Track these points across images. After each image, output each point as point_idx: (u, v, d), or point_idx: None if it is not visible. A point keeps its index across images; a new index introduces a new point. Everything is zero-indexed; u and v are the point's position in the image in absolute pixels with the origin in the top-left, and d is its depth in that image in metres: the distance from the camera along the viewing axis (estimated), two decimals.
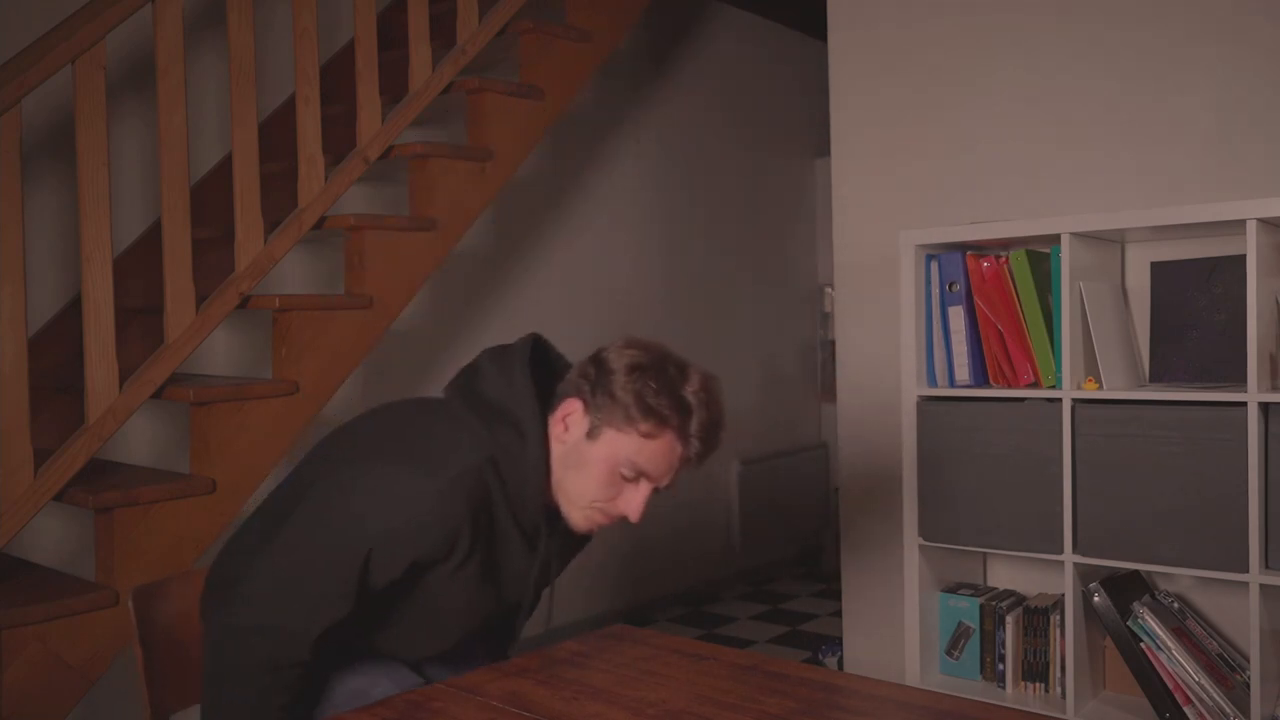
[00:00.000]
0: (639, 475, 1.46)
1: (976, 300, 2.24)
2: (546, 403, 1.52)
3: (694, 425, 1.45)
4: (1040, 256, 2.21)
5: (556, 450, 1.50)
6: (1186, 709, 1.99)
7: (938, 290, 2.28)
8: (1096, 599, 2.08)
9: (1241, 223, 1.91)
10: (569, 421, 1.48)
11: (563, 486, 1.50)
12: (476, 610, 1.59)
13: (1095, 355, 2.11)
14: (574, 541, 1.68)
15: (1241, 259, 1.96)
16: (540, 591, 1.69)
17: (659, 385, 1.44)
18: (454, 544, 1.46)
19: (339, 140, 2.90)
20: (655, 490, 1.49)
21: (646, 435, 1.43)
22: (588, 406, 1.47)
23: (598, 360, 1.49)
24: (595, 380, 1.47)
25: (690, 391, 1.45)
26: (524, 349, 1.56)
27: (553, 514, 1.54)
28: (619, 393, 1.44)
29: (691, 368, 1.49)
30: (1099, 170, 2.37)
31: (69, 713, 2.13)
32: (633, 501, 1.48)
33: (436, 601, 1.53)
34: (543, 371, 1.58)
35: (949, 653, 2.32)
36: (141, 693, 1.60)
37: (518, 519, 1.52)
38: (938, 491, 2.25)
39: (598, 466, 1.46)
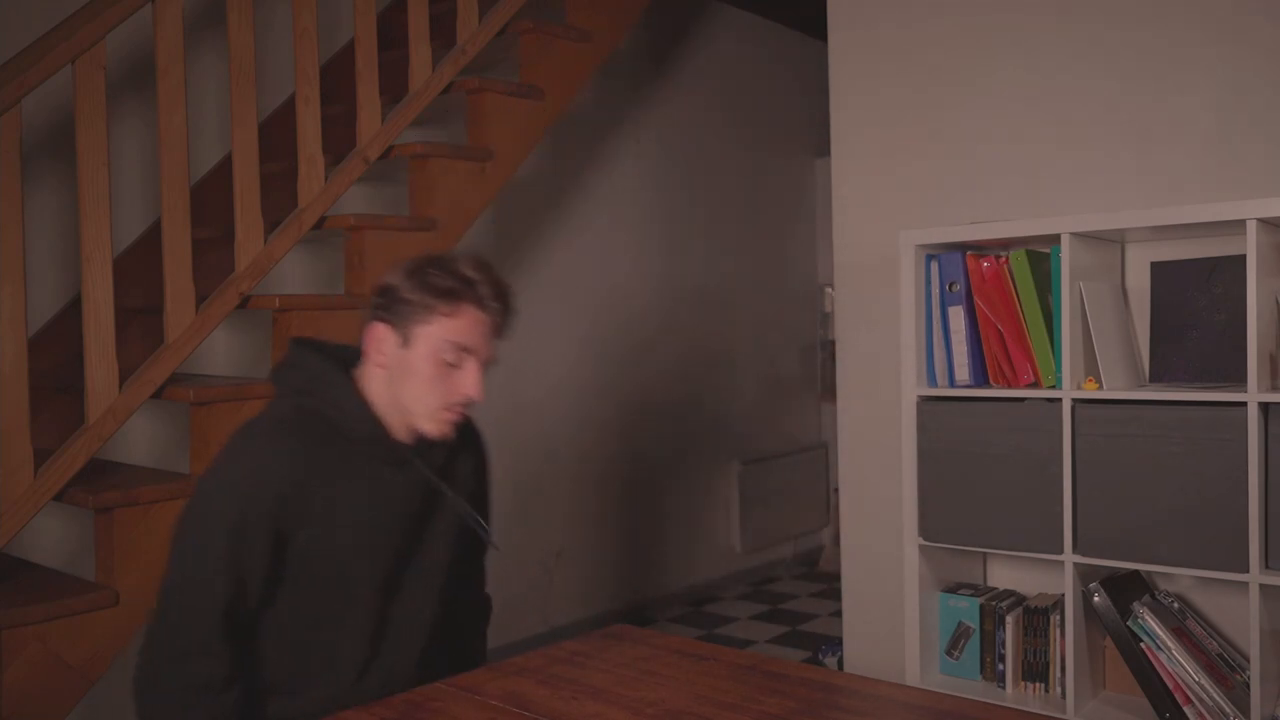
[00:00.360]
0: (461, 355, 1.55)
1: (976, 300, 2.24)
2: (344, 355, 1.64)
3: (484, 290, 1.56)
4: (1040, 256, 2.21)
5: (381, 375, 1.58)
6: (1186, 709, 1.99)
7: (938, 290, 2.28)
8: (1096, 599, 2.08)
9: (1241, 223, 1.91)
10: (380, 345, 1.57)
11: (401, 403, 1.57)
12: (383, 564, 1.59)
13: (1095, 355, 2.11)
14: (462, 472, 1.72)
15: (1241, 259, 1.96)
16: (453, 542, 1.69)
17: (438, 270, 1.55)
18: (302, 487, 1.50)
19: (339, 140, 2.90)
20: (484, 367, 1.58)
21: (449, 314, 1.54)
22: (390, 323, 1.56)
23: (379, 288, 1.59)
24: (385, 299, 1.57)
25: (466, 267, 1.57)
26: (294, 344, 1.68)
27: (416, 452, 1.61)
28: (409, 294, 1.54)
29: (457, 254, 1.63)
30: (1099, 170, 2.37)
31: (69, 713, 2.13)
32: (467, 381, 1.56)
33: (342, 571, 1.55)
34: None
35: (949, 653, 2.32)
36: None
37: (360, 445, 1.57)
38: (938, 491, 2.25)
39: (423, 364, 1.54)
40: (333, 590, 1.56)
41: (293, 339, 1.68)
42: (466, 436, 1.75)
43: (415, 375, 1.54)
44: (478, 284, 1.55)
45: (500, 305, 1.58)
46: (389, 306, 1.56)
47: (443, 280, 1.54)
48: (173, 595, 1.49)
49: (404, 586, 1.62)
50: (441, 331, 1.53)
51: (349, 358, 1.63)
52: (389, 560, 1.60)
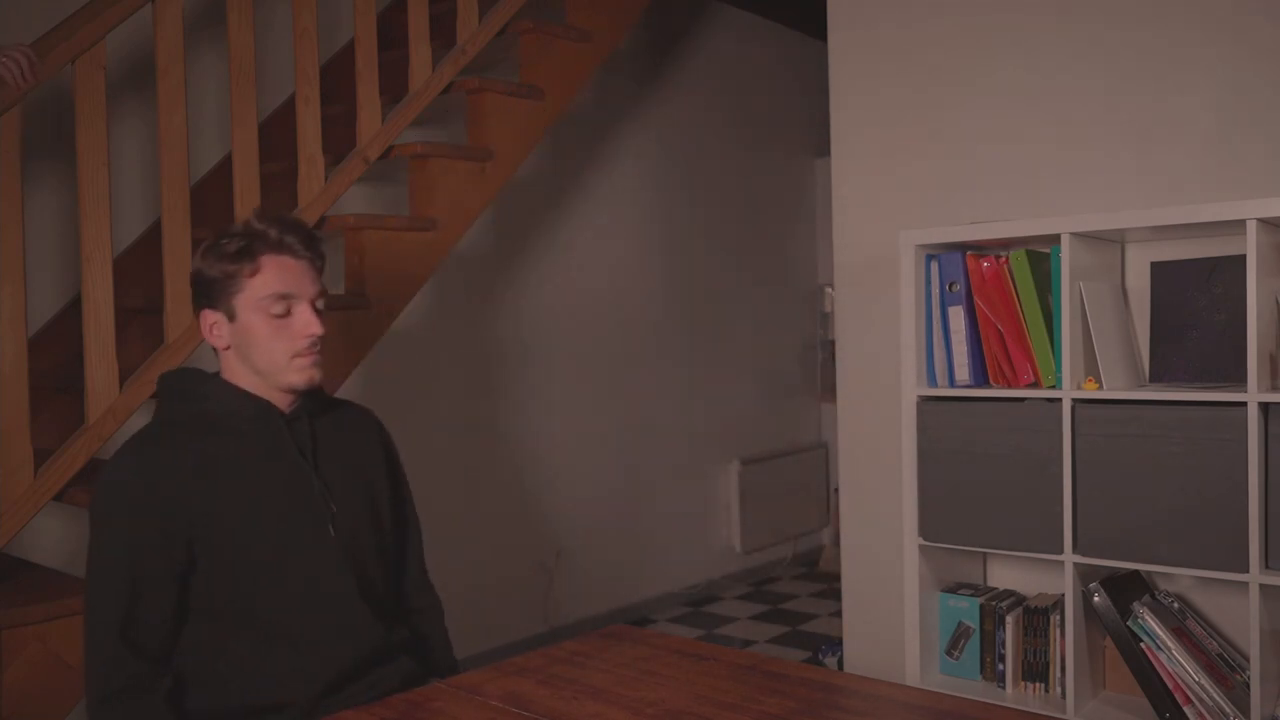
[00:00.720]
0: (286, 303, 1.58)
1: (976, 300, 2.24)
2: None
3: (274, 235, 1.59)
4: (1040, 256, 2.21)
5: (231, 358, 1.63)
6: (1186, 709, 1.99)
7: (938, 290, 2.28)
8: (1096, 599, 2.08)
9: (1241, 223, 1.91)
10: (214, 330, 1.62)
11: (259, 368, 1.60)
12: (294, 539, 1.59)
13: (1095, 355, 2.11)
14: (358, 444, 1.74)
15: (1241, 259, 1.96)
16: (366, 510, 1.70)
17: (224, 237, 1.59)
18: (187, 487, 1.52)
19: (339, 140, 2.90)
20: (314, 305, 1.61)
21: (254, 273, 1.57)
22: (211, 305, 1.60)
23: (190, 278, 1.65)
24: (196, 286, 1.62)
25: (253, 221, 1.61)
26: (159, 378, 1.72)
27: (298, 413, 1.64)
28: (211, 272, 1.59)
29: (249, 216, 1.65)
30: (1099, 170, 2.37)
31: (69, 713, 2.13)
32: (301, 321, 1.59)
33: (258, 555, 1.55)
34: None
35: (949, 653, 2.32)
36: None
37: (238, 431, 1.59)
38: (938, 491, 2.25)
39: (257, 327, 1.58)
40: (255, 575, 1.56)
41: (160, 375, 1.72)
42: (356, 416, 1.79)
43: (256, 339, 1.58)
44: (265, 232, 1.59)
45: (297, 239, 1.61)
46: (203, 291, 1.61)
47: (232, 244, 1.58)
48: (86, 612, 1.53)
49: (325, 559, 1.61)
50: (255, 291, 1.57)
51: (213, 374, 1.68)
52: (300, 535, 1.60)
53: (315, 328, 1.60)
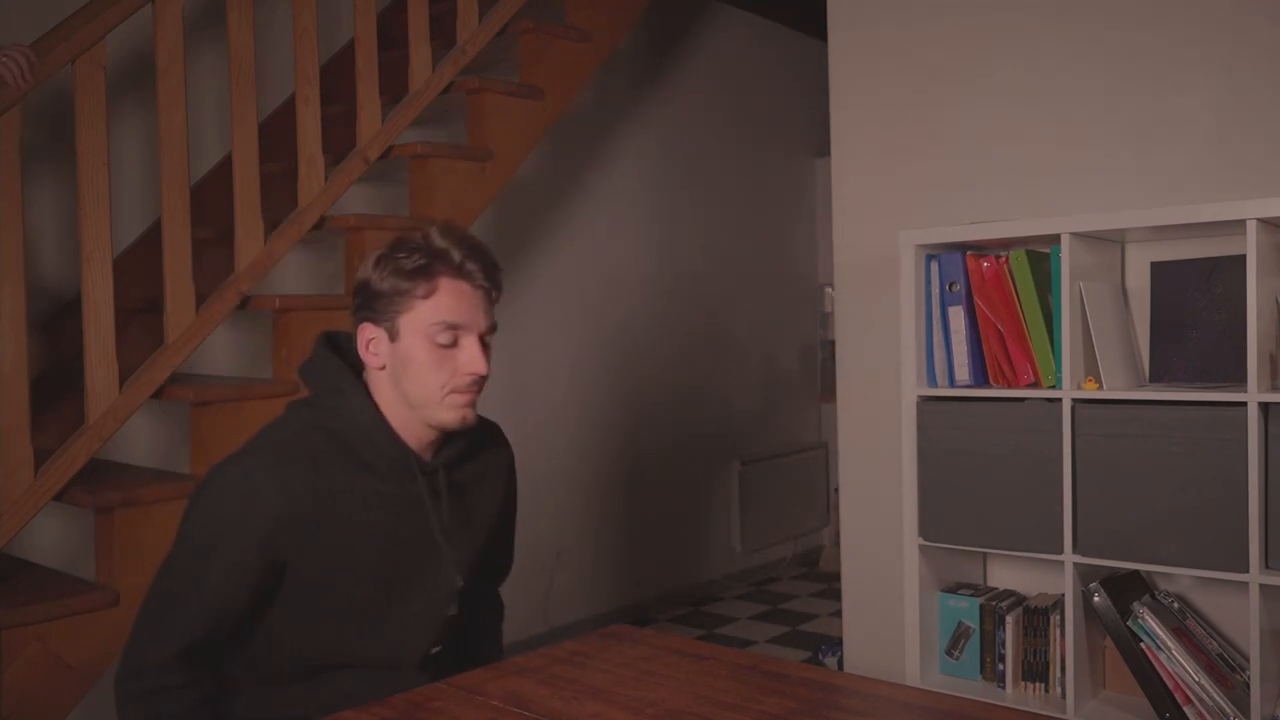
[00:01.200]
0: (454, 333, 1.46)
1: (976, 300, 2.24)
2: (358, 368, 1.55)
3: (457, 257, 1.46)
4: (1040, 256, 2.21)
5: (383, 379, 1.51)
6: (1186, 709, 1.99)
7: (938, 290, 2.28)
8: (1096, 599, 2.08)
9: (1241, 223, 1.91)
10: (371, 345, 1.49)
11: (411, 400, 1.49)
12: (386, 582, 1.52)
13: (1095, 355, 2.11)
14: (485, 492, 1.66)
15: (1241, 259, 1.96)
16: (474, 561, 1.63)
17: (404, 252, 1.46)
18: (297, 516, 1.42)
19: (339, 140, 2.90)
20: (483, 339, 1.50)
21: (428, 295, 1.45)
22: (374, 320, 1.48)
23: (355, 286, 1.51)
24: (362, 297, 1.49)
25: (435, 237, 1.47)
26: (320, 341, 1.59)
27: (437, 464, 1.54)
28: (381, 285, 1.46)
29: (427, 225, 1.52)
30: (1099, 170, 2.37)
31: (69, 713, 2.13)
32: (466, 357, 1.47)
33: (345, 592, 1.49)
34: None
35: (949, 653, 2.32)
36: None
37: (372, 467, 1.49)
38: (938, 491, 2.25)
39: (418, 353, 1.46)
40: (335, 609, 1.51)
41: (322, 334, 1.59)
42: (494, 452, 1.69)
43: (414, 366, 1.46)
44: (448, 252, 1.46)
45: (478, 267, 1.48)
46: (368, 303, 1.48)
47: (410, 260, 1.45)
48: (151, 602, 1.46)
49: (412, 602, 1.55)
50: (425, 315, 1.45)
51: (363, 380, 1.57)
52: (393, 577, 1.53)
53: (480, 366, 1.48)
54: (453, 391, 1.48)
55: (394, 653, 1.55)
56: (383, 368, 1.50)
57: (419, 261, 1.45)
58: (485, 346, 1.51)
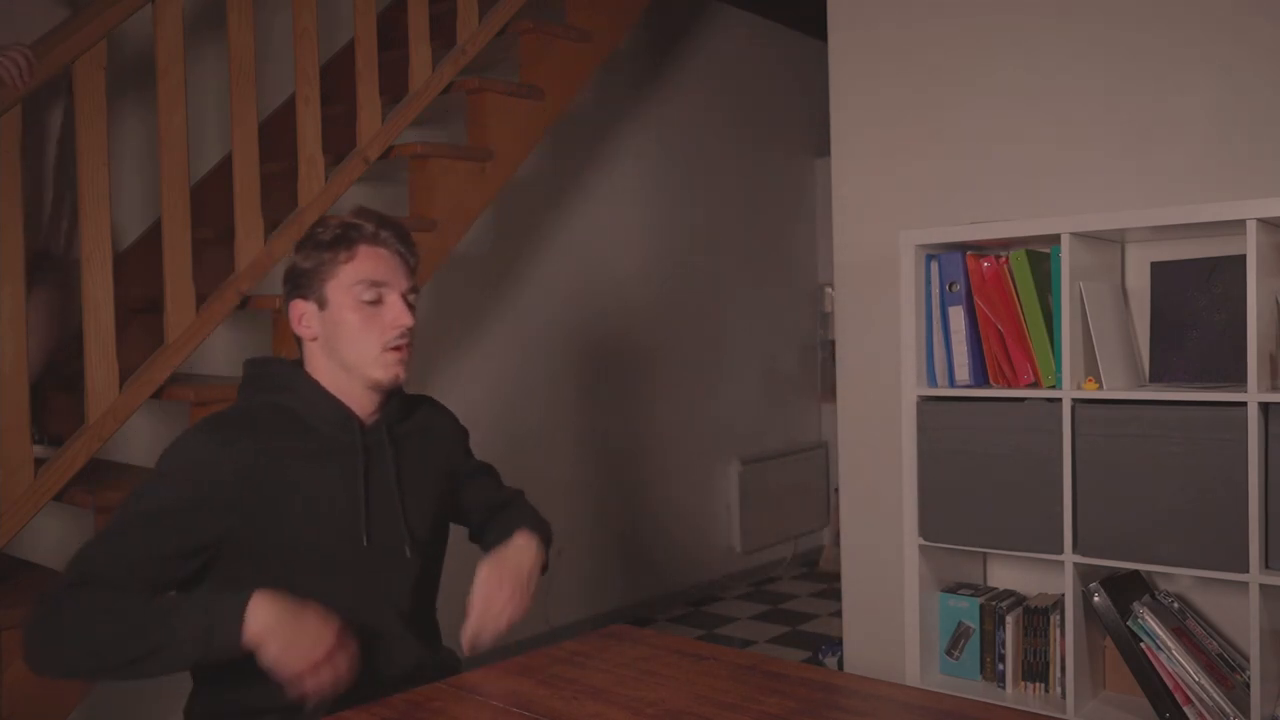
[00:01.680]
0: (377, 289, 1.57)
1: (976, 300, 2.24)
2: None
3: (370, 228, 1.58)
4: (1040, 256, 2.21)
5: (317, 351, 1.60)
6: (1186, 709, 1.99)
7: (938, 290, 2.28)
8: (1096, 599, 2.08)
9: (1241, 223, 1.91)
10: (303, 320, 1.60)
11: (347, 363, 1.58)
12: (352, 540, 1.55)
13: (1095, 355, 2.11)
14: (434, 445, 1.73)
15: (1241, 259, 1.96)
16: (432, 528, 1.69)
17: (321, 229, 1.59)
18: (249, 476, 1.48)
19: (339, 140, 2.90)
20: (405, 298, 1.59)
21: (348, 259, 1.56)
22: (302, 295, 1.58)
23: (284, 276, 1.62)
24: (290, 280, 1.60)
25: (347, 216, 1.60)
26: (245, 363, 1.70)
27: (379, 423, 1.62)
28: (305, 262, 1.58)
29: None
30: (1099, 170, 2.37)
31: (69, 713, 2.13)
32: (392, 313, 1.57)
33: (309, 552, 1.52)
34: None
35: (949, 653, 2.32)
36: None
37: (316, 430, 1.56)
38: (938, 491, 2.25)
39: (346, 316, 1.56)
40: (305, 569, 1.52)
41: (246, 360, 1.69)
42: (433, 416, 1.78)
43: (344, 327, 1.56)
44: (362, 224, 1.58)
45: (392, 234, 1.59)
46: (294, 282, 1.59)
47: (328, 233, 1.57)
48: (87, 549, 1.46)
49: (372, 551, 1.58)
50: (348, 275, 1.55)
51: (298, 361, 1.66)
52: (350, 530, 1.56)
53: (406, 318, 1.58)
54: (385, 349, 1.57)
55: (364, 605, 1.56)
56: (315, 338, 1.59)
57: (336, 233, 1.57)
58: (409, 305, 1.60)
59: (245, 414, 1.57)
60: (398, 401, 1.68)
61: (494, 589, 1.63)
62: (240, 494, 1.48)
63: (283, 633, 1.39)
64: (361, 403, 1.61)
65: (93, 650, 1.37)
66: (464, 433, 1.86)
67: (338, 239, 1.57)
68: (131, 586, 1.42)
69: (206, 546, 1.48)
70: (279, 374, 1.62)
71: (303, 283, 1.58)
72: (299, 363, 1.64)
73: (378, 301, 1.57)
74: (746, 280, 5.06)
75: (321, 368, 1.60)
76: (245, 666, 1.43)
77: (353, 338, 1.56)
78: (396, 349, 1.58)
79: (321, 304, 1.57)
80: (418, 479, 1.67)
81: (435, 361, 3.66)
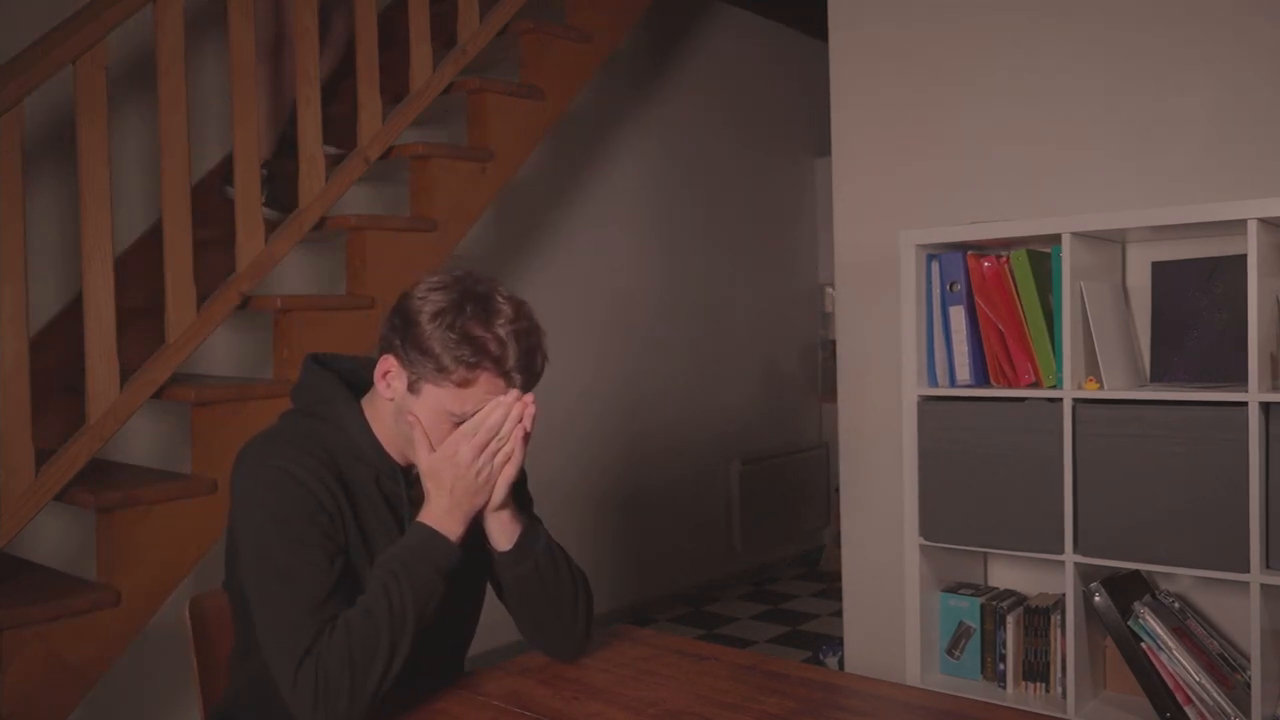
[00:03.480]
0: (467, 416, 1.44)
1: (977, 300, 2.24)
2: (357, 377, 1.57)
3: (510, 362, 1.43)
4: (1041, 256, 2.21)
5: (384, 405, 1.49)
6: (1187, 709, 1.99)
7: (938, 290, 2.28)
8: (1097, 599, 2.08)
9: (1242, 223, 1.91)
10: (389, 379, 1.47)
11: (405, 440, 1.49)
12: None
13: (1096, 355, 2.11)
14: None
15: (1242, 259, 1.96)
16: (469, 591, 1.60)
17: (464, 331, 1.41)
18: (333, 502, 1.43)
19: (339, 140, 2.90)
20: None
21: (462, 384, 1.41)
22: (401, 360, 1.45)
23: (402, 309, 1.46)
24: (402, 332, 1.44)
25: (499, 327, 1.43)
26: (306, 361, 1.60)
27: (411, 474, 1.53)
28: (426, 344, 1.41)
29: (498, 298, 1.46)
30: (1099, 170, 2.37)
31: (70, 713, 2.13)
32: None
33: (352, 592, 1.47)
34: (341, 365, 1.62)
35: (949, 653, 2.32)
36: (196, 700, 1.61)
37: (370, 465, 1.50)
38: (938, 491, 2.25)
39: (426, 419, 1.44)
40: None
41: (308, 356, 1.59)
42: None
43: (418, 427, 1.45)
44: (506, 355, 1.43)
45: (523, 377, 1.46)
46: (406, 343, 1.44)
47: (466, 351, 1.40)
48: (272, 592, 1.39)
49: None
50: (450, 399, 1.42)
51: (362, 379, 1.57)
52: None
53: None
54: None
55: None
56: (391, 400, 1.48)
57: (473, 354, 1.41)
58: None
59: (305, 436, 1.48)
60: None
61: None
62: (335, 518, 1.43)
63: (457, 495, 1.41)
64: (404, 457, 1.53)
65: (386, 668, 1.35)
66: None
67: (470, 363, 1.41)
68: (334, 606, 1.38)
69: (341, 547, 1.43)
70: (334, 408, 1.52)
71: (410, 355, 1.43)
72: (357, 396, 1.54)
73: (462, 420, 1.45)
74: (746, 280, 5.06)
75: (381, 416, 1.51)
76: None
77: (420, 439, 1.45)
78: None
79: (413, 389, 1.44)
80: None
81: None
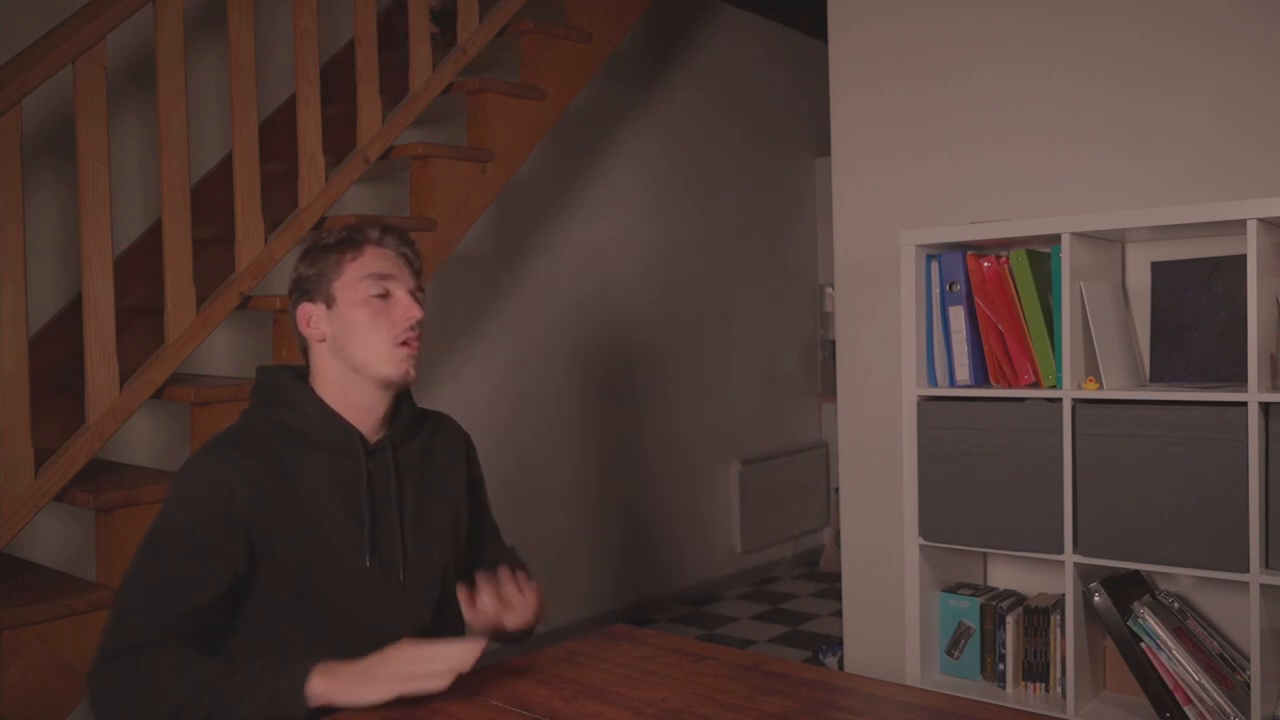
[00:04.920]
0: (384, 284, 1.57)
1: (977, 300, 2.24)
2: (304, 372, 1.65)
3: (373, 232, 1.60)
4: (1040, 256, 2.21)
5: (325, 353, 1.59)
6: (1187, 709, 1.99)
7: (938, 290, 2.28)
8: (1097, 599, 2.08)
9: (1242, 223, 1.91)
10: (311, 322, 1.59)
11: (356, 361, 1.57)
12: (358, 559, 1.53)
13: (1095, 355, 2.11)
14: (443, 470, 1.70)
15: (1242, 259, 1.96)
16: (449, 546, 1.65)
17: (325, 234, 1.62)
18: (260, 494, 1.47)
19: (339, 140, 2.90)
20: (413, 294, 1.59)
21: (354, 257, 1.57)
22: (309, 298, 1.59)
23: (290, 285, 1.63)
24: (297, 287, 1.61)
25: (350, 222, 1.65)
26: (258, 369, 1.69)
27: (384, 444, 1.60)
28: (311, 267, 1.59)
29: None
30: (1099, 170, 2.37)
31: (69, 713, 2.13)
32: (401, 306, 1.57)
33: (319, 571, 1.50)
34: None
35: (949, 653, 2.32)
36: None
37: (321, 449, 1.54)
38: (938, 491, 2.25)
39: (355, 312, 1.55)
40: (315, 590, 1.51)
41: (258, 367, 1.68)
42: (445, 435, 1.74)
43: (353, 324, 1.55)
44: (365, 228, 1.60)
45: (395, 237, 1.61)
46: (302, 288, 1.60)
47: (331, 237, 1.60)
48: (127, 597, 1.45)
49: (381, 577, 1.56)
50: (355, 272, 1.56)
51: (306, 373, 1.63)
52: (363, 554, 1.54)
53: (415, 310, 1.57)
54: (396, 344, 1.56)
55: (384, 630, 1.52)
56: (324, 339, 1.58)
57: (340, 235, 1.60)
58: (418, 301, 1.60)
59: (249, 432, 1.55)
60: (406, 416, 1.65)
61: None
62: (253, 510, 1.47)
63: (345, 680, 1.39)
64: (369, 414, 1.58)
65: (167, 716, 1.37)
66: (473, 450, 1.82)
67: (343, 241, 1.58)
68: (180, 627, 1.42)
69: (235, 565, 1.46)
70: (283, 387, 1.60)
71: (309, 286, 1.59)
72: (305, 375, 1.62)
73: (385, 296, 1.56)
74: (747, 280, 5.06)
75: (330, 374, 1.58)
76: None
77: (362, 333, 1.55)
78: (406, 344, 1.57)
79: (330, 303, 1.57)
80: (422, 507, 1.63)
81: (435, 361, 3.65)
